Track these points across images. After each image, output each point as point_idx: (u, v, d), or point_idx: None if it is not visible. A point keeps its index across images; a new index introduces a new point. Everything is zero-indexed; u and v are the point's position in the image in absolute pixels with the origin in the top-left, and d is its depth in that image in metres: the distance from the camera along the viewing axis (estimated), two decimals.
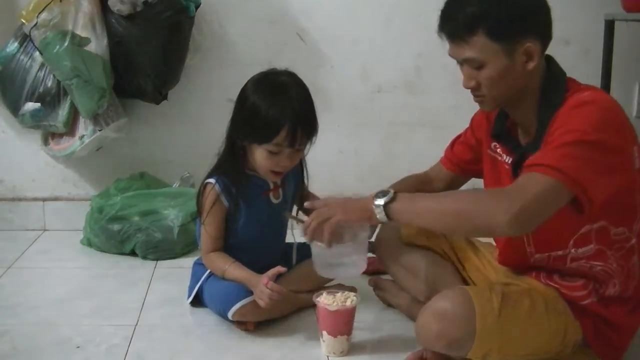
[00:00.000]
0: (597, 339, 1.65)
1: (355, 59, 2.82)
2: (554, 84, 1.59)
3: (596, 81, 2.62)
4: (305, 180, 2.07)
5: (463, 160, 1.90)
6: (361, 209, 1.61)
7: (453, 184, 1.94)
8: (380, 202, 1.56)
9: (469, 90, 1.62)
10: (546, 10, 1.58)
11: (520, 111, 1.64)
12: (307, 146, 1.90)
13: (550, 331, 1.59)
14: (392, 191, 1.58)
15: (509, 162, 1.69)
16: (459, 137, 1.94)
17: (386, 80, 2.84)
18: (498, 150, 1.74)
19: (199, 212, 1.99)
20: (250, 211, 1.96)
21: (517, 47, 1.54)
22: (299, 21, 2.77)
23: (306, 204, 1.76)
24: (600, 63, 2.64)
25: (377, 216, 1.58)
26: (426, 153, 2.88)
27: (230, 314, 1.89)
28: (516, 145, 1.66)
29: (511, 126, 1.70)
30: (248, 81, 1.89)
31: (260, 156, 1.86)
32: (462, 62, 1.60)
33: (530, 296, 1.62)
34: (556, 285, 1.66)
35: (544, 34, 1.58)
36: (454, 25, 1.56)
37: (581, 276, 1.63)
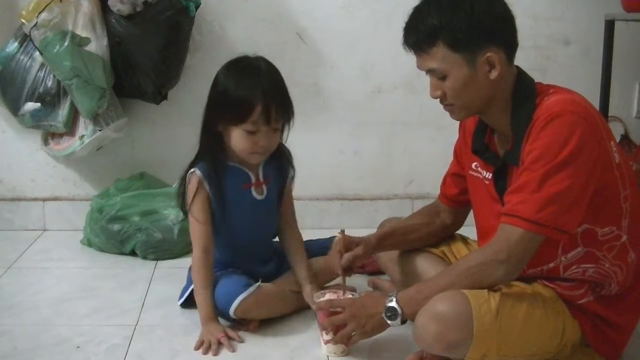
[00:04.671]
0: (596, 337, 1.65)
1: (355, 59, 2.81)
2: (524, 89, 1.61)
3: (596, 81, 2.62)
4: (292, 175, 2.05)
5: (454, 194, 1.92)
6: (379, 328, 1.68)
7: (457, 214, 1.95)
8: (397, 322, 1.63)
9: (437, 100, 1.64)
10: (507, 19, 1.59)
11: (493, 118, 1.66)
12: (286, 131, 1.92)
13: (549, 331, 1.59)
14: (395, 306, 1.61)
15: (489, 177, 1.70)
16: (448, 169, 1.94)
17: (386, 80, 2.84)
18: (478, 168, 1.75)
19: (183, 207, 1.96)
20: (231, 203, 1.94)
21: (478, 57, 1.56)
22: (299, 21, 2.77)
23: (311, 301, 1.78)
24: (600, 63, 2.63)
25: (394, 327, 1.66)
26: (426, 153, 2.90)
27: (232, 310, 1.87)
28: (495, 159, 1.68)
29: (489, 142, 1.71)
30: (220, 69, 1.92)
31: (238, 137, 1.86)
32: (427, 73, 1.63)
33: (528, 296, 1.62)
34: (553, 286, 1.66)
35: (508, 43, 1.59)
36: (416, 37, 1.60)
37: (578, 281, 1.64)
